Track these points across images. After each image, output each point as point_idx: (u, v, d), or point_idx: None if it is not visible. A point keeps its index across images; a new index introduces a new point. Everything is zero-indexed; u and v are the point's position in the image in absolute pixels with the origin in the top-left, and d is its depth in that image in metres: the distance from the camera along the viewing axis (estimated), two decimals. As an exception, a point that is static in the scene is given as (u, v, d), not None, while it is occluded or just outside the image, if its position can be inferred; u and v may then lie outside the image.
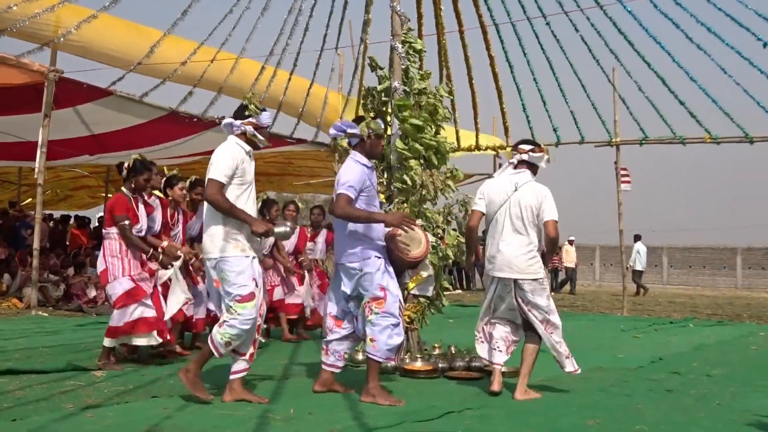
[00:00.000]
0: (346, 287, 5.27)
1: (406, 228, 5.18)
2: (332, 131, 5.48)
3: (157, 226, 6.76)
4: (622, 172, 14.38)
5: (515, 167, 5.72)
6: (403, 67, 6.90)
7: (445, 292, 6.92)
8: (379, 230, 5.26)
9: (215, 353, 4.86)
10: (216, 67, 12.53)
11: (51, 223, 18.18)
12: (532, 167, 5.70)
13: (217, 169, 4.85)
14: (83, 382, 5.53)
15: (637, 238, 22.04)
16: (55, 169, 17.01)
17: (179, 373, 4.97)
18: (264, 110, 5.14)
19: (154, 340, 6.34)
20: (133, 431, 4.05)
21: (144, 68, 11.70)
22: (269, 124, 5.19)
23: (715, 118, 13.20)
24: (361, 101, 7.26)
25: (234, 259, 4.83)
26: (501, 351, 5.65)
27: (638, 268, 22.19)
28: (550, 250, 5.72)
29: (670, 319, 12.61)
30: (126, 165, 6.49)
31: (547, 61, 13.63)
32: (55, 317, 10.68)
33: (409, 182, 6.56)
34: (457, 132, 15.89)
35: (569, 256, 23.36)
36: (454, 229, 7.02)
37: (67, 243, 17.63)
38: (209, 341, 4.87)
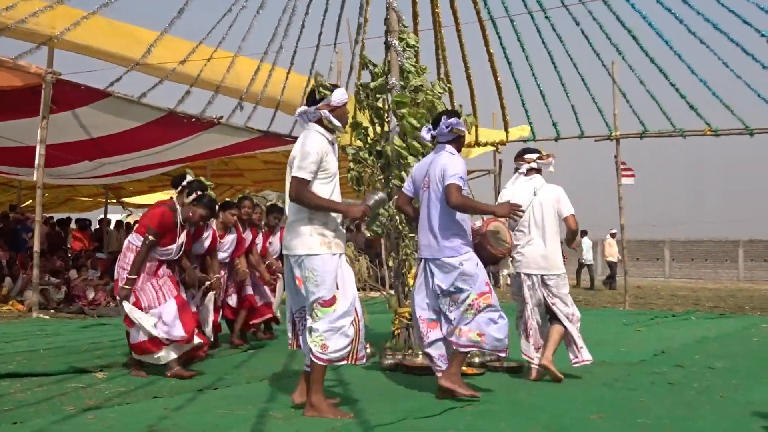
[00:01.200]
0: (443, 282, 5.12)
1: (514, 216, 5.45)
2: (451, 122, 5.29)
3: (203, 249, 6.88)
4: (624, 167, 14.37)
5: (526, 174, 6.15)
6: (400, 63, 6.89)
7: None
8: (469, 224, 5.30)
9: (319, 363, 4.48)
10: (213, 67, 12.52)
11: (52, 226, 18.16)
12: (540, 171, 6.17)
13: (301, 166, 4.53)
14: (84, 383, 5.52)
15: (583, 233, 22.01)
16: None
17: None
18: (335, 87, 4.86)
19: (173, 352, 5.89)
20: (133, 431, 4.05)
21: (141, 67, 11.69)
22: (345, 101, 4.80)
23: (715, 111, 13.18)
24: (355, 97, 7.20)
25: (320, 257, 4.52)
26: (537, 348, 5.93)
27: (588, 262, 22.60)
28: (570, 240, 6.25)
29: (673, 313, 12.60)
30: (187, 182, 6.31)
31: (548, 54, 13.59)
32: (56, 320, 10.67)
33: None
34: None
35: (611, 250, 22.50)
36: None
37: (68, 245, 17.65)
38: (312, 357, 4.49)
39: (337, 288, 4.54)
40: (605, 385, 5.61)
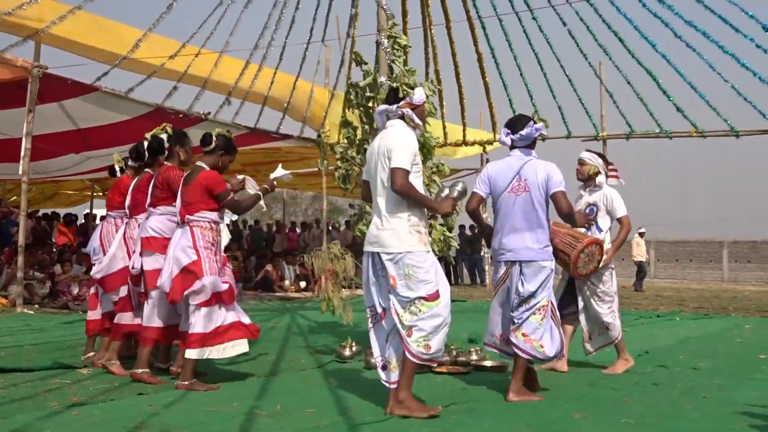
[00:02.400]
0: (531, 285, 5.12)
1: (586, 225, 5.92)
2: (539, 128, 5.30)
3: None
4: (610, 167, 14.41)
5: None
6: (388, 62, 6.89)
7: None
8: None
9: (416, 361, 4.45)
10: (200, 63, 12.48)
11: (38, 221, 18.04)
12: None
13: (401, 157, 4.47)
14: (69, 380, 5.51)
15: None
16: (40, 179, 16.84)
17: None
18: (416, 86, 4.95)
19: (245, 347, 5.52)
20: (119, 429, 4.03)
21: (128, 64, 11.64)
22: (424, 100, 4.84)
23: (701, 113, 13.28)
24: (345, 96, 7.20)
25: (420, 254, 4.48)
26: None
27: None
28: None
29: (657, 313, 12.66)
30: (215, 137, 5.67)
31: (534, 55, 13.64)
32: (40, 315, 10.62)
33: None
34: (444, 127, 15.90)
35: (639, 249, 21.94)
36: (441, 224, 7.01)
37: (54, 240, 17.53)
38: (408, 355, 4.43)
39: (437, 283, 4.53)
40: (589, 385, 5.64)
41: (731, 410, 4.74)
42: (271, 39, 12.77)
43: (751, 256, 32.97)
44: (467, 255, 22.42)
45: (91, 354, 6.26)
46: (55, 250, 15.75)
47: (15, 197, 20.09)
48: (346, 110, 7.20)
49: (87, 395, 4.94)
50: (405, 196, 4.46)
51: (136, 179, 6.17)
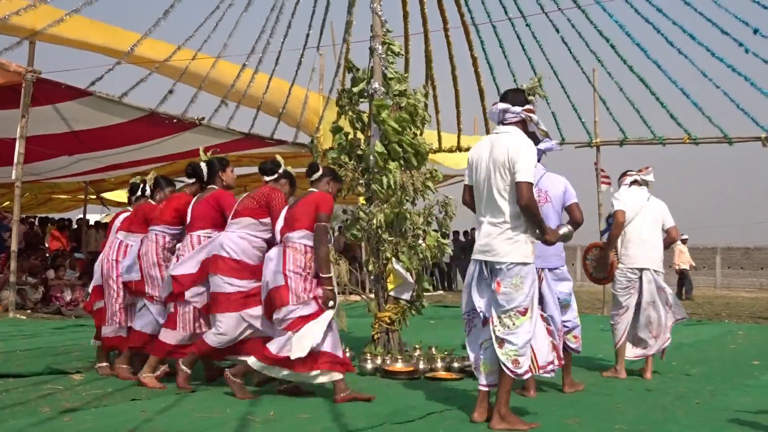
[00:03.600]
0: (566, 288, 5.77)
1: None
2: (548, 145, 5.42)
3: None
4: (603, 174, 14.46)
5: (630, 185, 6.73)
6: (382, 68, 6.91)
7: (425, 293, 6.94)
8: None
9: (512, 376, 4.42)
10: (196, 65, 12.49)
11: (31, 225, 17.99)
12: (645, 183, 6.74)
13: (527, 170, 4.39)
14: (61, 385, 5.48)
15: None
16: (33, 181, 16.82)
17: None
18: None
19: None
20: (111, 435, 4.02)
21: (124, 64, 11.63)
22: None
23: (694, 120, 13.32)
24: (337, 102, 7.22)
25: (530, 266, 4.48)
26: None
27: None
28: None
29: (650, 319, 12.67)
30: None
31: (528, 61, 13.67)
32: (33, 320, 10.59)
33: (388, 183, 6.56)
34: (439, 133, 15.91)
35: (683, 257, 21.10)
36: (435, 230, 7.02)
37: (46, 245, 17.47)
38: (504, 369, 4.42)
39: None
40: (583, 390, 5.65)
41: (723, 416, 4.76)
42: (266, 44, 12.75)
43: (743, 262, 33.05)
44: (461, 261, 22.41)
45: (104, 364, 6.11)
46: (47, 255, 15.70)
47: (8, 202, 20.01)
48: (339, 115, 7.21)
49: (79, 401, 4.92)
50: (529, 211, 4.41)
51: (197, 196, 5.90)
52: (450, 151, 16.05)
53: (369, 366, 6.29)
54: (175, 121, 12.39)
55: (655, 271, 6.50)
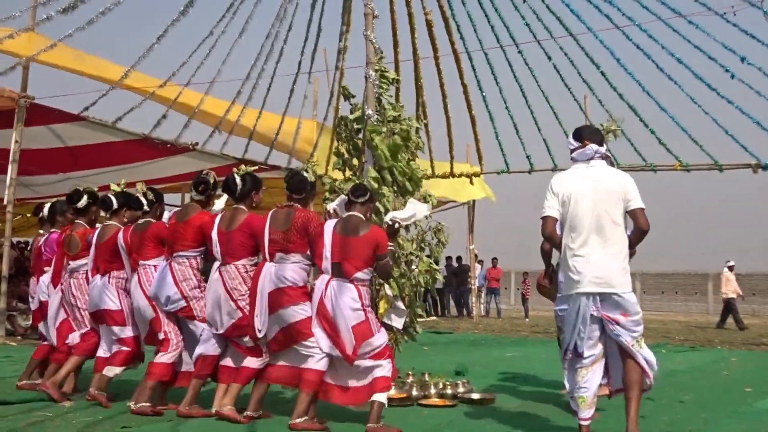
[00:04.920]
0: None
1: None
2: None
3: None
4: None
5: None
6: (376, 95, 6.94)
7: (419, 319, 6.91)
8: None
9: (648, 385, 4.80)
10: (186, 97, 12.55)
11: (21, 251, 17.87)
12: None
13: (639, 197, 4.72)
14: (51, 413, 5.43)
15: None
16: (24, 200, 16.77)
17: None
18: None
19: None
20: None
21: (116, 93, 11.67)
22: None
23: (685, 146, 13.38)
24: (335, 129, 7.26)
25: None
26: None
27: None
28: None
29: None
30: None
31: (519, 88, 13.76)
32: (23, 346, 10.49)
33: (382, 209, 6.56)
34: (431, 160, 15.95)
35: (731, 285, 19.63)
36: (427, 256, 7.01)
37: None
38: (646, 381, 4.73)
39: None
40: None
41: (717, 444, 4.74)
42: (261, 70, 12.80)
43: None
44: (454, 287, 22.41)
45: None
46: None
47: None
48: (338, 142, 7.23)
49: (70, 429, 4.88)
50: (642, 239, 4.73)
51: (225, 220, 5.63)
52: (443, 176, 16.07)
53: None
54: (168, 146, 12.43)
55: None
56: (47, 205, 7.01)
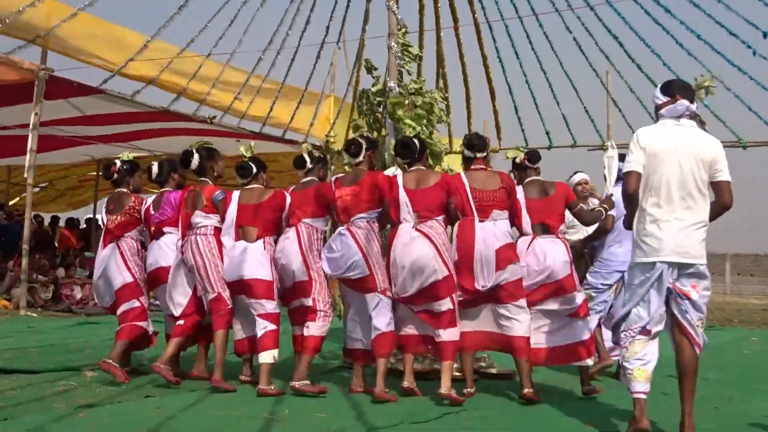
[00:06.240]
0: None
1: None
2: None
3: None
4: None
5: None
6: (398, 67, 6.87)
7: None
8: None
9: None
10: (205, 70, 12.50)
11: (40, 224, 18.00)
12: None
13: (727, 170, 4.29)
14: (75, 382, 5.47)
15: None
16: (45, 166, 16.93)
17: None
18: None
19: None
20: (126, 431, 3.98)
21: (134, 68, 11.61)
22: None
23: (708, 123, 13.21)
24: (356, 103, 7.20)
25: None
26: None
27: None
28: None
29: (662, 324, 12.61)
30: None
31: (538, 63, 13.60)
32: (44, 318, 10.59)
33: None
34: (450, 134, 15.86)
35: None
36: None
37: (56, 244, 17.49)
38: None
39: None
40: (599, 395, 5.58)
41: (743, 421, 4.72)
42: (285, 35, 12.62)
43: (753, 269, 32.96)
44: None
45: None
46: (57, 254, 15.71)
47: (18, 198, 20.09)
48: (359, 116, 7.17)
49: (94, 398, 4.89)
50: (724, 212, 4.31)
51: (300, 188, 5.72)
52: (461, 153, 15.97)
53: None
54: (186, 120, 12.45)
55: None
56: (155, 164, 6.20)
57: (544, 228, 5.49)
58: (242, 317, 5.65)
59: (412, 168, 5.58)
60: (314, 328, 5.35)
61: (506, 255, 5.23)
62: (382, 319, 5.27)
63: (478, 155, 5.57)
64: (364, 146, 5.69)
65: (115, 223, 6.05)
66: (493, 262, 5.19)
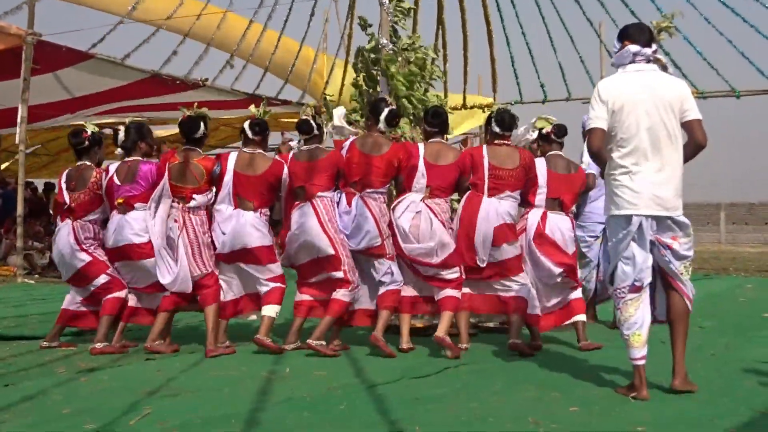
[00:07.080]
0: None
1: None
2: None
3: None
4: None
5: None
6: (390, 23, 6.79)
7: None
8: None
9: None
10: (203, 22, 12.33)
11: (34, 191, 17.92)
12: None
13: (697, 108, 4.12)
14: (77, 348, 5.49)
15: None
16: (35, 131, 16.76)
17: None
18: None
19: None
20: (129, 393, 4.00)
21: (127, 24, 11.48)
22: None
23: (701, 73, 13.16)
24: (352, 61, 7.11)
25: None
26: None
27: None
28: None
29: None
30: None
31: (538, 8, 13.47)
32: (41, 284, 10.60)
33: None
34: (445, 91, 15.75)
35: None
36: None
37: (51, 210, 17.45)
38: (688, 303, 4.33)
39: None
40: (597, 349, 5.61)
41: (740, 368, 4.76)
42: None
43: (748, 218, 33.01)
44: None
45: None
46: (52, 220, 15.67)
47: (7, 164, 19.99)
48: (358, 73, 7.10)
49: (95, 362, 4.92)
50: (700, 151, 4.16)
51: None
52: (455, 109, 15.88)
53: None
54: (178, 82, 12.30)
55: None
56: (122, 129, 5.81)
57: (559, 203, 5.68)
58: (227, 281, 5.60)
59: (434, 140, 5.67)
60: (343, 294, 5.37)
61: (503, 233, 5.40)
62: (389, 278, 5.46)
63: (507, 133, 5.62)
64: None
65: (77, 201, 5.67)
66: (491, 239, 5.38)
